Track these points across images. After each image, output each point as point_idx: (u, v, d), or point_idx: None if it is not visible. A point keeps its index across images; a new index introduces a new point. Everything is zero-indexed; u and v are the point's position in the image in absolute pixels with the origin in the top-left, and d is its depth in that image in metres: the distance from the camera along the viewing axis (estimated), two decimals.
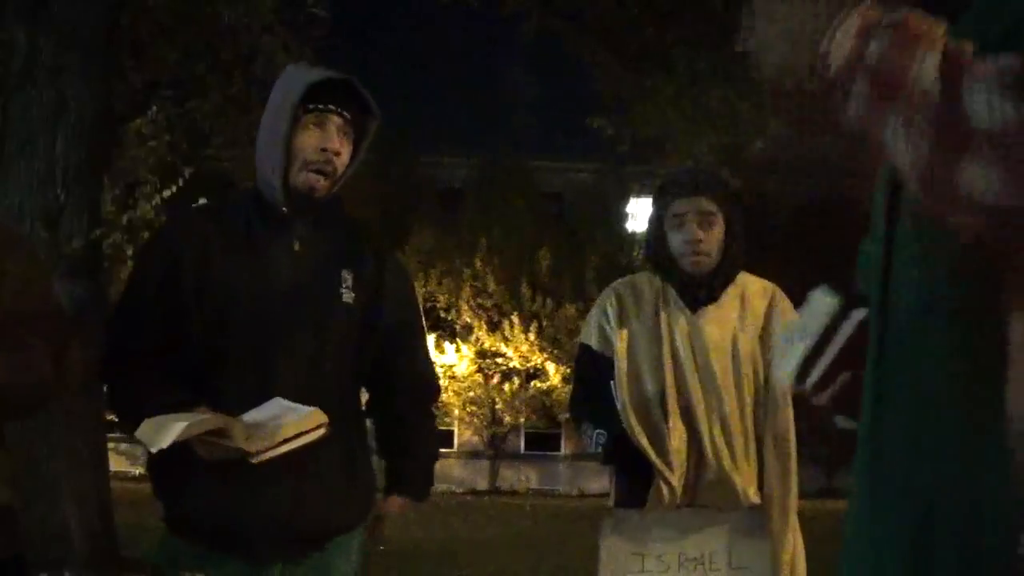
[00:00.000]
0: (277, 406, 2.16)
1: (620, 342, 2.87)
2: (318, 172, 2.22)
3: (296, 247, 2.26)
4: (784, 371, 1.38)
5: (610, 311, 2.92)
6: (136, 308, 2.27)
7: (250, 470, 2.10)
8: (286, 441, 2.12)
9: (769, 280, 2.98)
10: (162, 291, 2.22)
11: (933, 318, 1.12)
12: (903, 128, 1.01)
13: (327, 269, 2.28)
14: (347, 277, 2.29)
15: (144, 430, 2.07)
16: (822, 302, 1.37)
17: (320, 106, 2.21)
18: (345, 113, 2.24)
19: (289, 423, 2.13)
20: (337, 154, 2.23)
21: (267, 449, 2.10)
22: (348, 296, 2.28)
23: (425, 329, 2.61)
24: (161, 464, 2.19)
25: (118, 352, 2.27)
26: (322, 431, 2.14)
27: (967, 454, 1.08)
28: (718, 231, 2.84)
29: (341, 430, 2.22)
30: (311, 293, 2.25)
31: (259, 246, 2.24)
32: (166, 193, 8.57)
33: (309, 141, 2.21)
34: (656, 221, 2.91)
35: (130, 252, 9.54)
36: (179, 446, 2.02)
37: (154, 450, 2.01)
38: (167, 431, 2.02)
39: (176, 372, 2.22)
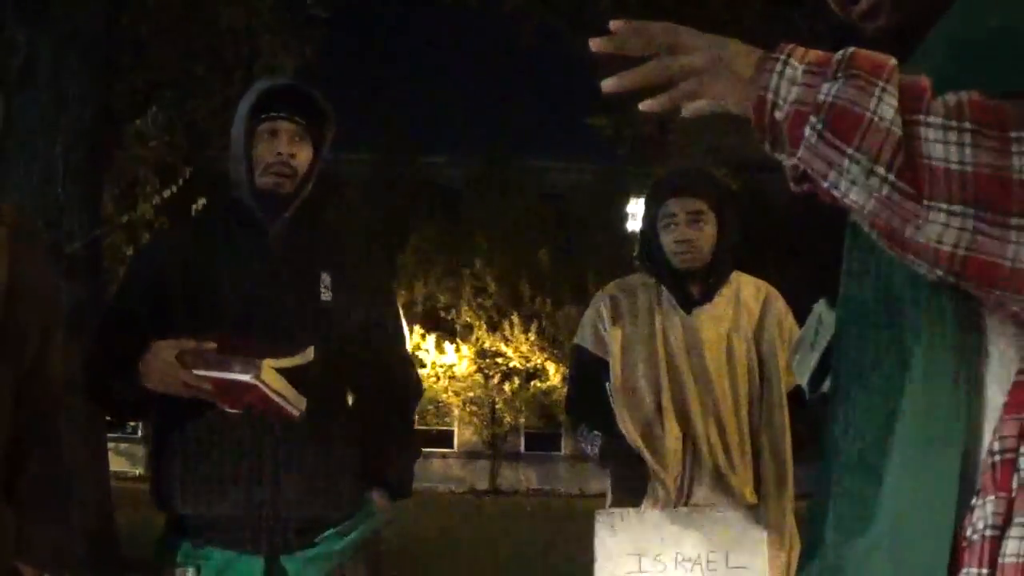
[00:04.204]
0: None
1: (615, 343, 2.86)
2: (277, 174, 2.35)
3: (272, 249, 2.35)
4: (800, 380, 1.42)
5: (604, 313, 2.92)
6: (121, 315, 2.38)
7: (229, 457, 2.21)
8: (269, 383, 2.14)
9: (768, 280, 2.98)
10: (146, 300, 2.33)
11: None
12: (860, 170, 0.97)
13: (305, 271, 2.37)
14: (325, 278, 2.37)
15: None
16: (828, 315, 1.39)
17: (272, 115, 2.37)
18: (298, 119, 2.38)
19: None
20: (292, 156, 2.36)
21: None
22: (326, 296, 2.35)
23: (404, 332, 2.66)
24: (159, 462, 2.31)
25: (100, 351, 2.33)
26: (295, 412, 2.17)
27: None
28: (709, 231, 2.84)
29: (322, 428, 2.28)
30: (288, 294, 2.32)
31: (236, 251, 2.35)
32: (166, 193, 8.58)
33: (263, 149, 2.36)
34: (648, 222, 2.90)
35: (130, 252, 9.53)
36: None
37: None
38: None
39: None
